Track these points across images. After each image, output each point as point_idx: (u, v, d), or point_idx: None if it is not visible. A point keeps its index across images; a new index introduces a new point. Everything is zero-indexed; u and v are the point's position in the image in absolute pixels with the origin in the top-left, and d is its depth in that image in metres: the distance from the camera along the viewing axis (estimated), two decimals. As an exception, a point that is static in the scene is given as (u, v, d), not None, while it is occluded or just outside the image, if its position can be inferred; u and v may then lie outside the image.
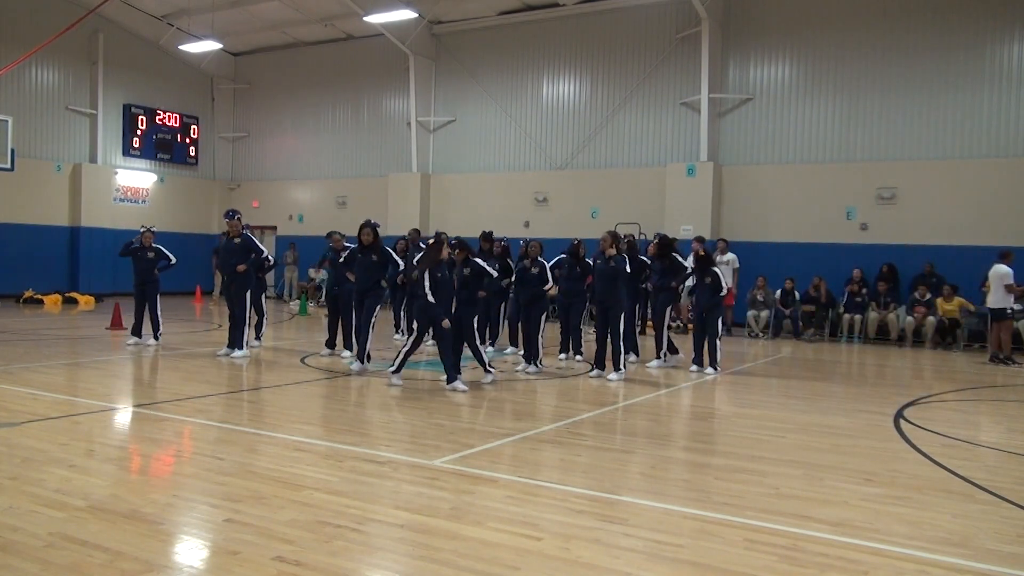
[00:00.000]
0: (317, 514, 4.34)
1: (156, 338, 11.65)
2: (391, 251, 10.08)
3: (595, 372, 9.77)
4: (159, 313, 11.79)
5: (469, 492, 4.87)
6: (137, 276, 11.76)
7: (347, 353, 11.21)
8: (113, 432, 6.42)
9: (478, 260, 9.34)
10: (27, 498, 4.48)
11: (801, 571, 3.75)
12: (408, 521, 4.29)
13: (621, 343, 9.64)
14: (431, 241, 8.78)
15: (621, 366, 9.63)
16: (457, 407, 7.71)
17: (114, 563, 3.60)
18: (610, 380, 9.47)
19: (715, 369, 10.46)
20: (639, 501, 4.80)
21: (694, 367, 10.54)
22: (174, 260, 11.82)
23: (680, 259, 11.19)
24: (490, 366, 9.06)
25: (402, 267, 10.48)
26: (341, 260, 10.59)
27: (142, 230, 11.98)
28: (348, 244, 11.00)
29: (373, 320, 9.86)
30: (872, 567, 3.82)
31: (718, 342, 10.61)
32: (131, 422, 6.86)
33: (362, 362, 9.73)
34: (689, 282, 11.76)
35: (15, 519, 4.13)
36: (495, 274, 9.45)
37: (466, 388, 8.42)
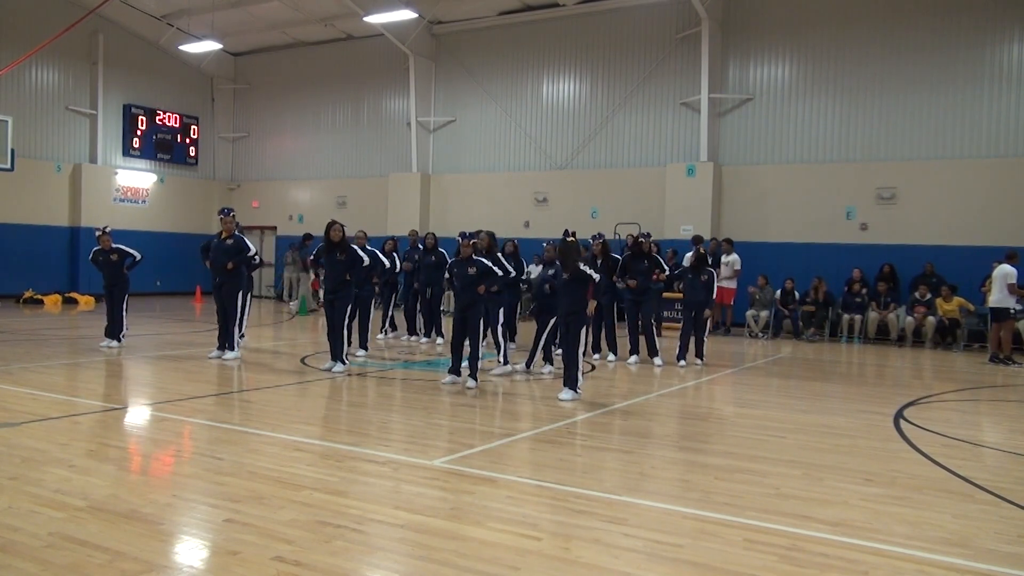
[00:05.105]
0: (317, 514, 4.34)
1: (119, 340, 11.31)
2: (356, 249, 9.86)
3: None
4: (124, 315, 11.43)
5: (469, 492, 4.86)
6: (105, 279, 11.42)
7: (361, 352, 11.24)
8: (113, 432, 6.42)
9: (483, 259, 9.22)
10: (27, 498, 4.48)
11: (801, 571, 3.75)
12: (408, 521, 4.29)
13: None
14: (569, 239, 8.29)
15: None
16: (457, 407, 7.71)
17: (114, 563, 3.60)
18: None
19: (701, 360, 11.27)
20: (639, 501, 4.80)
21: (682, 362, 11.13)
22: (139, 256, 11.47)
23: (661, 260, 11.71)
24: (473, 375, 8.75)
25: (368, 263, 10.09)
26: (311, 256, 10.39)
27: (98, 233, 11.51)
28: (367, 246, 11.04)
29: (346, 319, 9.81)
30: (872, 567, 3.82)
31: (705, 337, 11.48)
32: (131, 422, 6.86)
33: (343, 362, 9.69)
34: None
35: (15, 519, 4.13)
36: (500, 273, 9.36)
37: (578, 395, 8.18)
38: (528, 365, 9.90)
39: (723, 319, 16.35)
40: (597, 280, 8.26)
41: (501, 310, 9.89)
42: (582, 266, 8.19)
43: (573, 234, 8.41)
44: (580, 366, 8.25)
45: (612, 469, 5.63)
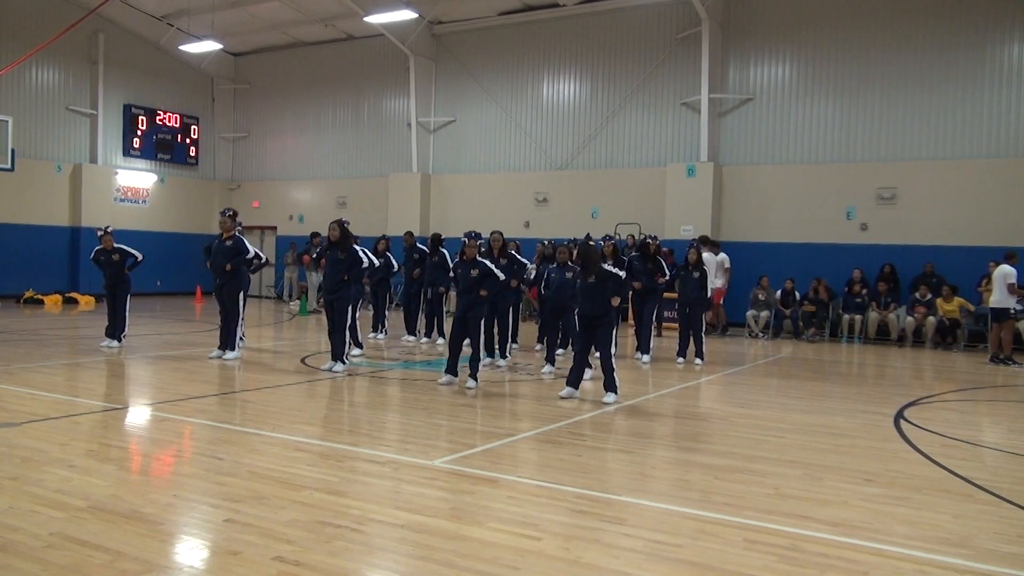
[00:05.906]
0: (317, 514, 4.34)
1: (119, 340, 11.30)
2: (358, 249, 9.86)
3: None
4: (127, 315, 11.43)
5: (469, 492, 4.87)
6: (106, 279, 11.40)
7: (356, 351, 11.23)
8: (113, 432, 6.42)
9: (485, 261, 9.21)
10: (27, 498, 4.48)
11: (801, 571, 3.75)
12: (408, 521, 4.29)
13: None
14: (590, 243, 8.41)
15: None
16: (457, 407, 7.71)
17: (114, 563, 3.60)
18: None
19: (701, 360, 11.37)
20: (639, 501, 4.80)
21: (680, 359, 11.45)
22: (141, 257, 11.45)
23: (663, 264, 11.80)
24: (475, 376, 8.73)
25: (367, 264, 10.04)
26: (314, 256, 10.41)
27: (100, 233, 11.48)
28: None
29: (347, 319, 9.79)
30: (872, 567, 3.82)
31: (703, 335, 11.67)
32: (131, 422, 6.86)
33: (343, 362, 9.70)
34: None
35: (15, 519, 4.14)
36: (501, 275, 9.36)
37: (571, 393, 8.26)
38: (551, 363, 9.95)
39: (717, 319, 16.33)
40: (624, 277, 8.32)
41: (511, 309, 9.92)
42: (606, 266, 8.23)
43: (589, 237, 8.42)
44: (615, 366, 8.25)
45: (612, 469, 5.64)
